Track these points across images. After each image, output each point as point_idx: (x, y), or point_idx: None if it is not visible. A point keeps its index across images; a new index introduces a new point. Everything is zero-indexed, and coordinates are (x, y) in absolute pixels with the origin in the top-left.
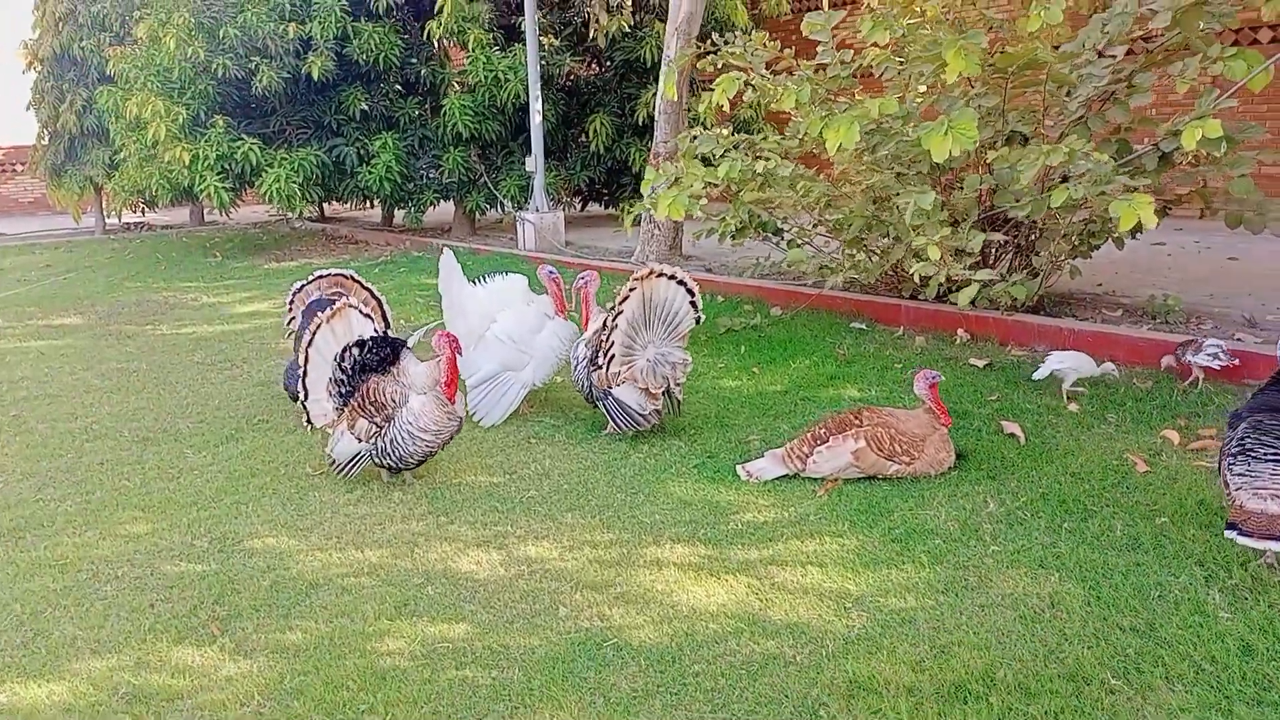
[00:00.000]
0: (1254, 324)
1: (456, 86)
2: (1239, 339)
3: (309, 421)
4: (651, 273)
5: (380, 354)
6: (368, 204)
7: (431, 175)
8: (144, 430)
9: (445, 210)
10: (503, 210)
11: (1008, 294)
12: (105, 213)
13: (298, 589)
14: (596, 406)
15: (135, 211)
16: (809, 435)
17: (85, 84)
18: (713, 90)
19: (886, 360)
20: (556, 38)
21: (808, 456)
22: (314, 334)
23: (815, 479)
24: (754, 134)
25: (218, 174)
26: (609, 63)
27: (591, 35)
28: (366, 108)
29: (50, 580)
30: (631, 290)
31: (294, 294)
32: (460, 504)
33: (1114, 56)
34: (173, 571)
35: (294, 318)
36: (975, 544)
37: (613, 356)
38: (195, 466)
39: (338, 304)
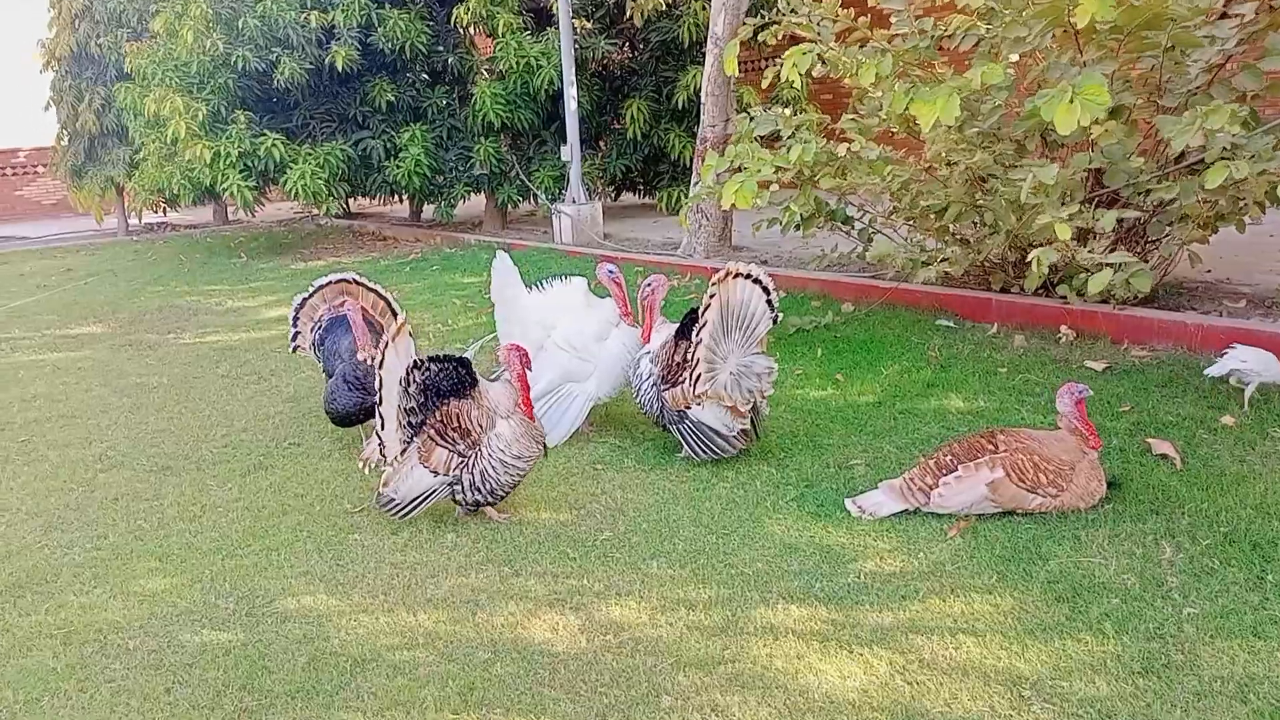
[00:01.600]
0: None
1: (485, 74)
2: None
3: (384, 455)
4: (729, 274)
5: (455, 375)
6: (395, 199)
7: (462, 167)
8: (163, 457)
9: (476, 204)
10: (536, 202)
11: (1127, 284)
12: (127, 214)
13: (340, 667)
14: (667, 430)
15: (157, 212)
16: (932, 463)
17: (104, 82)
18: (776, 66)
19: (987, 364)
20: (589, 20)
21: (932, 489)
22: (383, 356)
23: (942, 516)
24: (797, 113)
25: (240, 172)
26: (644, 45)
27: (628, 14)
28: (393, 99)
29: (50, 655)
30: (712, 297)
31: (298, 309)
32: (524, 549)
33: (1240, 15)
34: (193, 643)
35: (299, 333)
36: (1164, 604)
37: (699, 375)
38: (219, 503)
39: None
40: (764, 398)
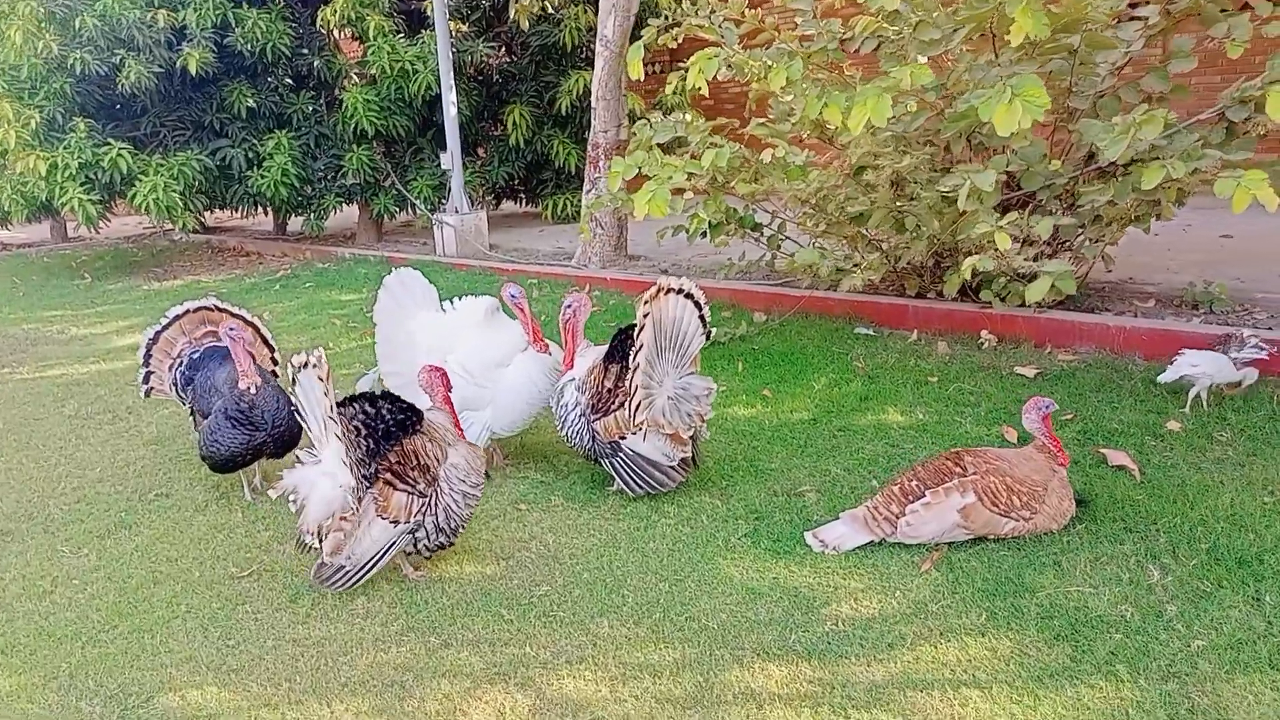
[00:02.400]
0: None
1: (355, 79)
2: None
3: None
4: (661, 290)
5: (402, 411)
6: (259, 211)
7: (332, 177)
8: (2, 517)
9: (347, 215)
10: (414, 213)
11: (1053, 288)
12: None
13: None
14: (599, 463)
15: None
16: (896, 489)
17: None
18: (676, 71)
19: (915, 373)
20: (464, 23)
21: (899, 517)
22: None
23: (910, 546)
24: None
25: (82, 184)
26: (524, 49)
27: (511, 17)
28: (254, 104)
29: None
30: (645, 316)
31: (150, 344)
32: (450, 612)
33: (1145, 18)
34: None
35: (152, 373)
36: (1169, 637)
37: (638, 404)
38: (74, 574)
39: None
40: (703, 421)
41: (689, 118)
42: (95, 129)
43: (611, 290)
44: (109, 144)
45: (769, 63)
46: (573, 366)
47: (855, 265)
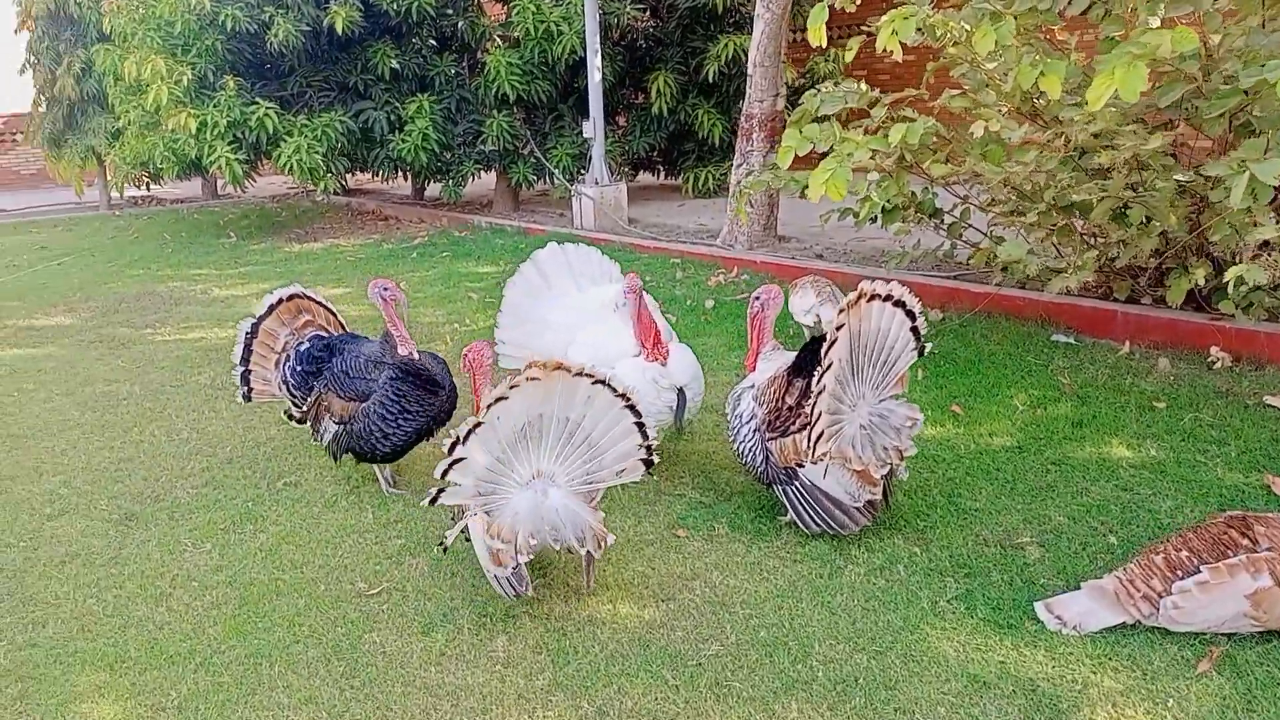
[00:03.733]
0: None
1: (498, 41)
2: None
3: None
4: (863, 296)
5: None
6: (397, 175)
7: (472, 143)
8: (129, 499)
9: (483, 182)
10: (552, 182)
11: None
12: (109, 187)
13: None
14: (770, 488)
15: (140, 186)
16: (1160, 559)
17: (83, 44)
18: (860, 34)
19: (1136, 395)
20: None
21: (1162, 596)
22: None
23: (1174, 634)
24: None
25: (229, 144)
26: (671, 12)
27: None
28: (397, 66)
29: None
30: (839, 329)
31: (249, 336)
32: (604, 666)
33: None
34: None
35: (251, 371)
36: None
37: (820, 433)
38: (194, 573)
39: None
40: (903, 458)
41: (863, 88)
42: (243, 87)
43: (761, 273)
44: (256, 103)
45: (966, 25)
46: (754, 369)
47: (1070, 265)
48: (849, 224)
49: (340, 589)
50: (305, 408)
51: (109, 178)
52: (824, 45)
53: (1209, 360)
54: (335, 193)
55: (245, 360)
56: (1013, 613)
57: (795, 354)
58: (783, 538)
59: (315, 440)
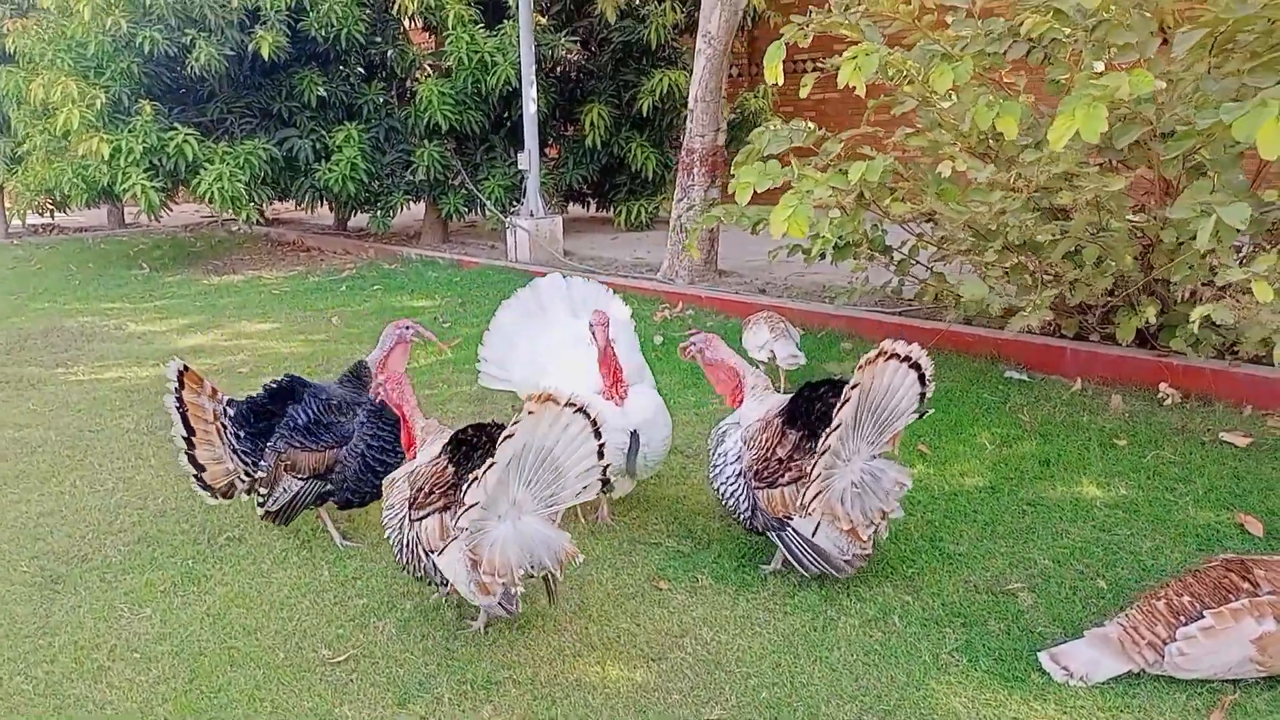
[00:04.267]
0: None
1: (429, 70)
2: None
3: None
4: (881, 354)
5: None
6: (321, 204)
7: (400, 173)
8: (52, 557)
9: (409, 213)
10: (483, 213)
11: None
12: (8, 215)
13: None
14: (757, 534)
15: (43, 214)
16: (1162, 605)
17: None
18: (814, 71)
19: (1096, 433)
20: (544, 15)
21: (1166, 642)
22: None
23: (1180, 682)
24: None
25: (145, 171)
26: (604, 46)
27: (597, 8)
28: (324, 93)
29: None
30: (854, 387)
31: (180, 408)
32: None
33: None
34: None
35: (193, 455)
36: None
37: (816, 492)
38: (135, 642)
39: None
40: (886, 520)
41: (810, 126)
42: (161, 113)
43: (707, 308)
44: (175, 129)
45: (918, 65)
46: (739, 404)
47: (1027, 301)
48: (794, 259)
49: (301, 657)
50: (264, 474)
51: (8, 205)
52: (780, 82)
53: (1159, 397)
54: (256, 223)
55: (190, 443)
56: (1016, 664)
57: (788, 399)
58: (769, 588)
59: (262, 505)
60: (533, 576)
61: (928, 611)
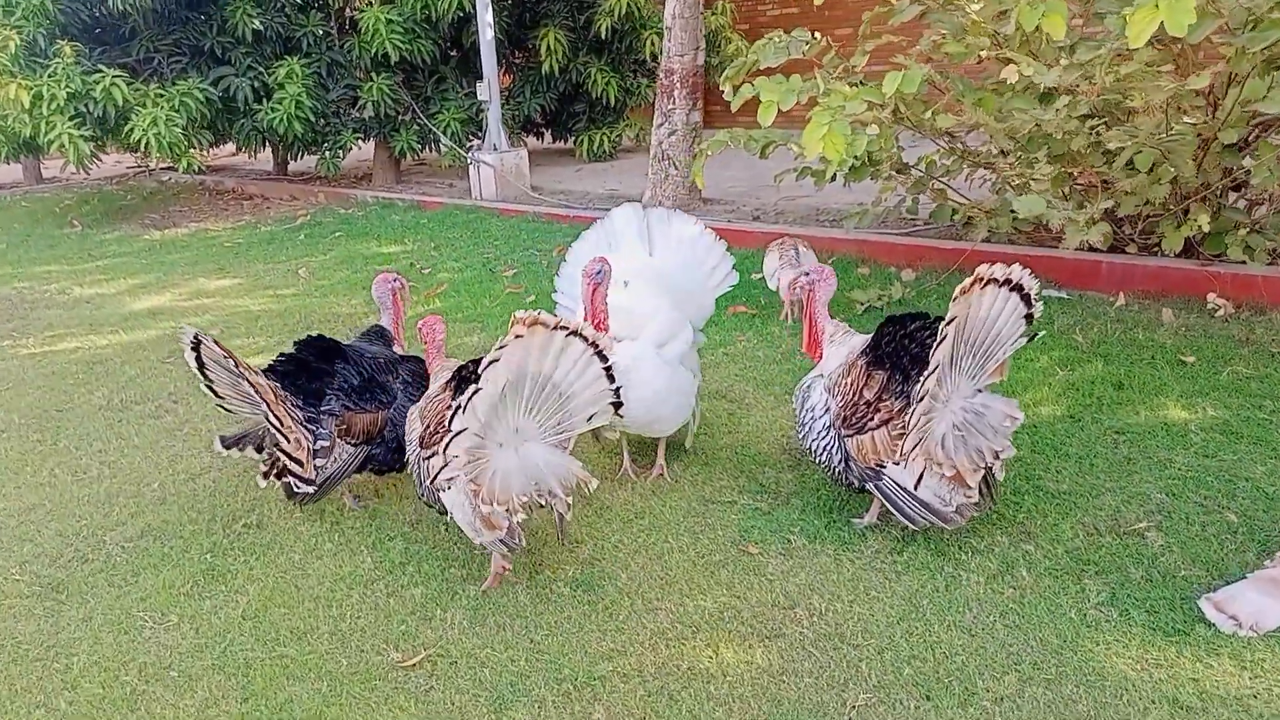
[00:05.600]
0: None
1: None
2: None
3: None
4: (978, 282)
5: None
6: (263, 147)
7: (346, 110)
8: (46, 561)
9: (354, 154)
10: (438, 150)
11: None
12: None
13: None
14: (855, 488)
15: None
16: None
17: None
18: None
19: (1159, 350)
20: None
21: None
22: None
23: None
24: (720, 45)
25: (71, 119)
26: None
27: None
28: (260, 26)
29: None
30: (950, 322)
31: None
32: None
33: None
34: None
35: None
36: None
37: (916, 440)
38: (170, 658)
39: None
40: (999, 460)
41: (815, 36)
42: (83, 54)
43: None
44: (100, 71)
45: None
46: (817, 356)
47: (1091, 218)
48: (787, 184)
49: (367, 662)
50: (325, 443)
51: None
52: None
53: (1210, 308)
54: (196, 171)
55: (280, 427)
56: (1172, 615)
57: (870, 337)
58: (870, 545)
59: (290, 480)
60: (543, 506)
61: (1054, 561)
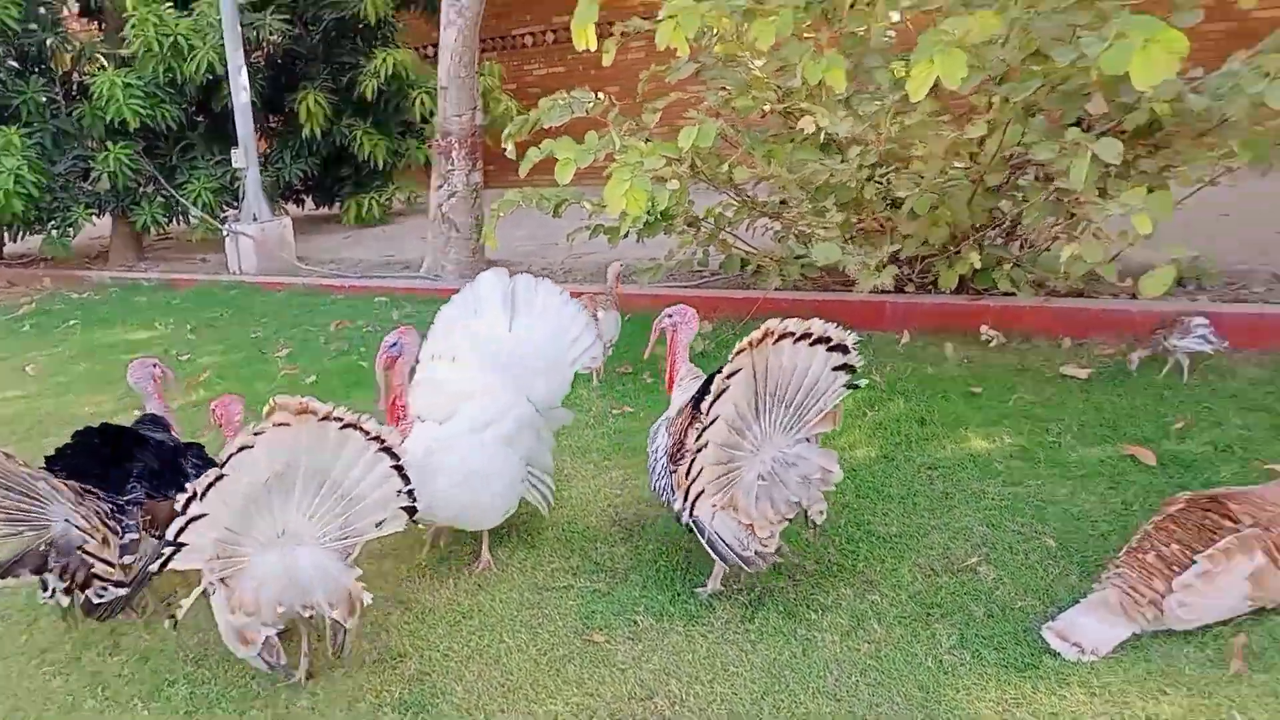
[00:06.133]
0: None
1: (102, 61)
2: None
3: None
4: (768, 335)
5: None
6: None
7: (78, 183)
8: None
9: (87, 231)
10: (187, 222)
11: (1061, 273)
12: None
13: None
14: (686, 529)
15: None
16: (1153, 558)
17: None
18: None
19: (949, 383)
20: None
21: (1164, 595)
22: None
23: (1188, 634)
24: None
25: None
26: (314, 25)
27: None
28: None
29: None
30: (731, 375)
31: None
32: None
33: None
34: None
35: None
36: None
37: (698, 471)
38: None
39: None
40: (818, 508)
41: (598, 96)
42: None
43: None
44: None
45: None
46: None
47: (880, 263)
48: (565, 245)
49: None
50: (133, 536)
51: None
52: (593, 48)
53: (984, 339)
54: None
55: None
56: (1019, 649)
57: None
58: (718, 615)
59: (113, 587)
60: (308, 619)
61: (901, 609)
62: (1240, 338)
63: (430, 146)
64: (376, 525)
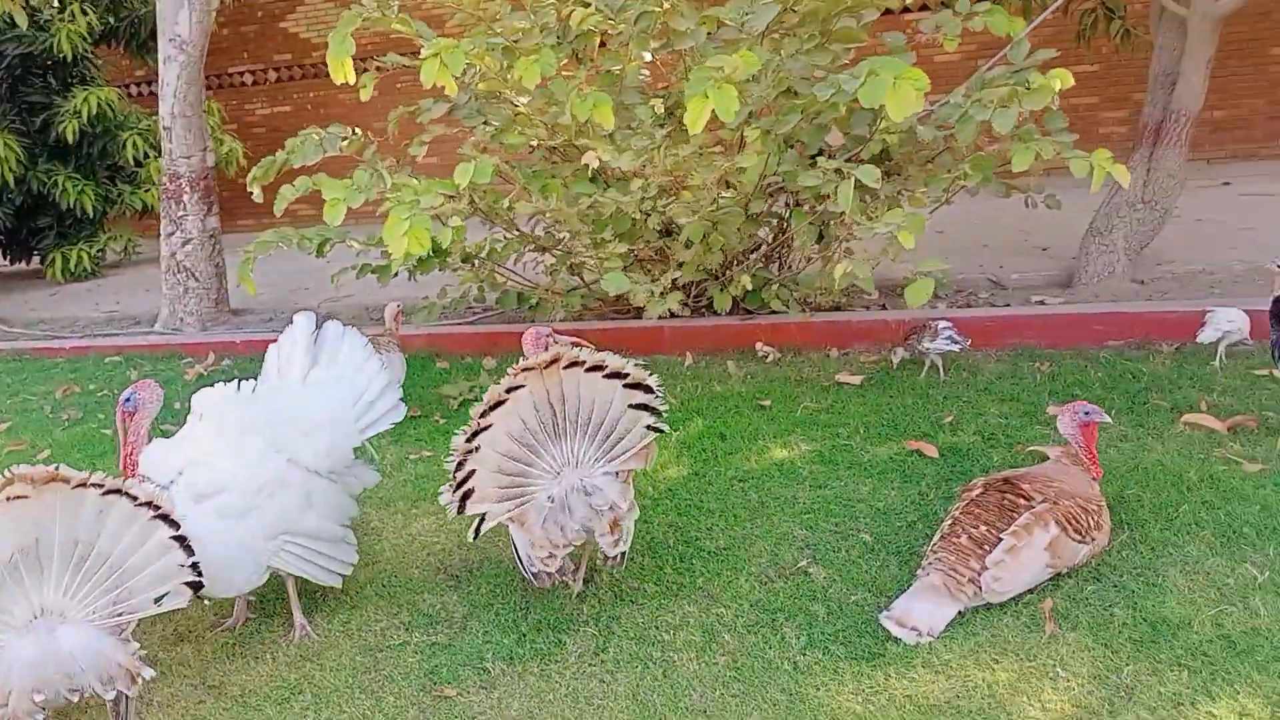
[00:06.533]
0: (1001, 285)
1: None
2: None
3: None
4: (557, 361)
5: None
6: None
7: None
8: None
9: None
10: None
11: (830, 289)
12: None
13: None
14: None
15: None
16: (965, 540)
17: None
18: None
19: (741, 400)
20: None
21: (980, 573)
22: None
23: (1004, 607)
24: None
25: None
26: None
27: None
28: None
29: None
30: (516, 386)
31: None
32: None
33: None
34: None
35: None
36: None
37: (471, 471)
38: None
39: None
40: (613, 537)
41: (355, 132)
42: None
43: (245, 354)
44: None
45: (496, 61)
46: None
47: (660, 289)
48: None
49: None
50: None
51: None
52: (352, 80)
53: (760, 355)
54: None
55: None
56: (863, 641)
57: None
58: (570, 650)
59: None
60: (75, 702)
61: (747, 618)
62: (978, 338)
63: (148, 191)
64: (156, 601)
